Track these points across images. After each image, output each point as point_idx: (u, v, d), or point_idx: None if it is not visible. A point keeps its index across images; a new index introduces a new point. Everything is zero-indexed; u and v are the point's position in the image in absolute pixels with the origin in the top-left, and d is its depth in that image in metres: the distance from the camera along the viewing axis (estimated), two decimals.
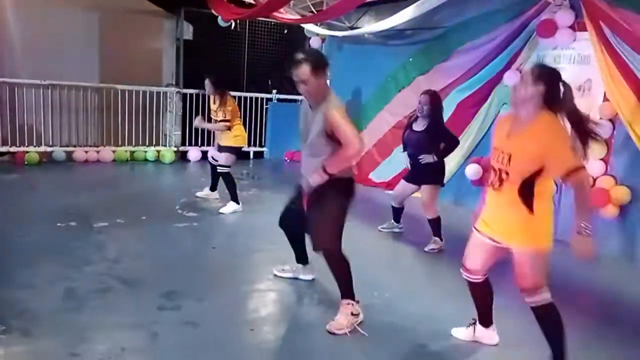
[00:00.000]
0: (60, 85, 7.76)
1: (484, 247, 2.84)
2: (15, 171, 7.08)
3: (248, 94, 9.12)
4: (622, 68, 4.67)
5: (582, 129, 2.67)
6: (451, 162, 6.41)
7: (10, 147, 7.57)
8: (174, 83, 8.70)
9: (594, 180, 5.05)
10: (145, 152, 8.43)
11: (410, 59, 7.26)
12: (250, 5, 7.64)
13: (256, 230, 4.32)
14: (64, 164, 7.74)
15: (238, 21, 8.25)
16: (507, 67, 5.81)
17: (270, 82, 9.38)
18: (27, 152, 7.57)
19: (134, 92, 8.26)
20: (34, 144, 7.71)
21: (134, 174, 7.79)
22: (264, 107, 9.35)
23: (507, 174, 2.65)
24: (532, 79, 2.62)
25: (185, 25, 8.55)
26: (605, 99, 4.94)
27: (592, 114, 5.11)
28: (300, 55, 3.15)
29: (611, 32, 4.71)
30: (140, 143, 8.46)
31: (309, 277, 3.88)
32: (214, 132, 6.07)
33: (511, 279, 2.79)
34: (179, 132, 8.72)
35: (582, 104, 5.23)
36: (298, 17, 7.90)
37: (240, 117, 6.06)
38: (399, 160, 5.65)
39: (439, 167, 4.81)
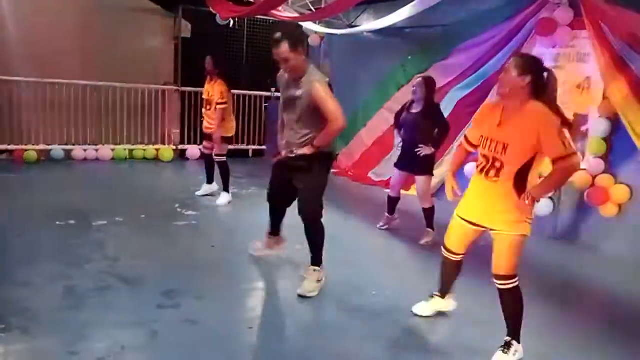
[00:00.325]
0: (58, 84, 7.74)
1: (464, 230, 3.00)
2: (13, 170, 7.07)
3: (247, 92, 9.11)
4: (621, 66, 4.68)
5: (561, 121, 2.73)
6: (450, 161, 6.42)
7: (9, 145, 7.55)
8: (172, 81, 8.68)
9: (594, 178, 5.05)
10: (144, 150, 8.42)
11: (409, 58, 7.26)
12: (248, 3, 7.62)
13: (255, 229, 4.32)
14: (62, 163, 7.73)
15: (237, 19, 8.25)
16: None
17: (269, 81, 9.36)
18: (26, 150, 7.56)
19: (132, 90, 8.25)
20: (33, 143, 7.69)
21: (133, 172, 7.78)
22: (263, 105, 9.34)
23: (501, 163, 2.73)
24: (519, 71, 2.68)
25: (183, 24, 8.53)
26: (604, 97, 4.94)
27: (591, 112, 5.15)
28: (278, 35, 3.32)
29: (610, 30, 4.72)
30: (139, 141, 8.45)
31: (282, 249, 4.17)
32: (202, 129, 6.09)
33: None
34: (178, 131, 8.70)
35: (581, 102, 5.31)
36: (297, 15, 7.89)
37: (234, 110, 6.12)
38: None
39: (431, 157, 4.90)
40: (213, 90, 5.77)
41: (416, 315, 3.35)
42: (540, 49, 5.58)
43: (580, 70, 5.25)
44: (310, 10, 7.71)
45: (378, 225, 5.35)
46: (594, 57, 4.94)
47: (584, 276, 4.52)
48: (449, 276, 3.27)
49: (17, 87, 7.48)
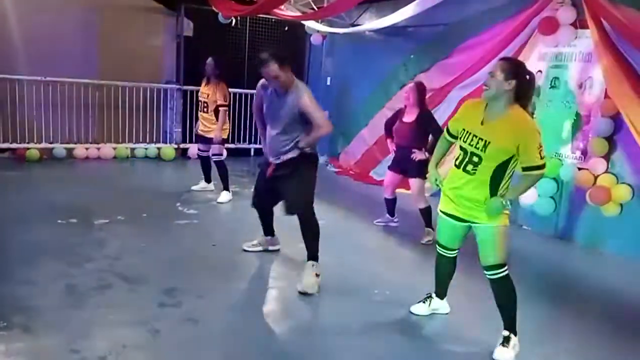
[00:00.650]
0: (60, 82, 7.74)
1: (450, 225, 3.07)
2: (15, 168, 7.08)
3: (249, 91, 9.09)
4: (624, 66, 4.66)
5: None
6: (451, 161, 6.41)
7: (11, 143, 7.57)
8: (174, 80, 8.68)
9: (595, 178, 5.04)
10: (146, 149, 8.42)
11: (411, 57, 7.25)
12: (250, 2, 7.62)
13: (256, 227, 4.33)
14: (64, 161, 7.74)
15: (239, 18, 8.24)
16: None
17: None
18: (28, 148, 7.57)
19: (134, 89, 8.25)
20: (35, 141, 7.70)
21: (135, 170, 7.78)
22: None
23: (479, 158, 2.84)
24: (504, 76, 2.79)
25: (185, 22, 8.52)
26: (607, 97, 4.93)
27: (593, 112, 5.14)
28: (265, 55, 3.63)
29: (612, 29, 4.70)
30: (141, 140, 8.45)
31: (276, 247, 4.34)
32: (197, 125, 6.14)
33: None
34: (180, 129, 8.70)
35: (583, 101, 5.30)
36: (299, 14, 7.89)
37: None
38: None
39: (425, 161, 4.88)
40: (213, 92, 5.79)
41: (414, 314, 3.37)
42: (542, 48, 5.57)
43: (583, 69, 5.24)
44: (313, 9, 7.70)
45: (375, 221, 5.41)
46: (596, 56, 4.92)
47: (585, 275, 4.52)
48: (444, 274, 3.31)
49: (19, 85, 7.48)
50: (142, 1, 8.31)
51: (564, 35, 5.30)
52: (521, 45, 5.68)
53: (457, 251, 3.20)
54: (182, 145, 8.76)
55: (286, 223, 4.17)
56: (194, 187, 6.30)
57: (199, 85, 6.28)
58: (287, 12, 7.80)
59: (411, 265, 4.53)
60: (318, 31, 8.46)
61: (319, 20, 8.14)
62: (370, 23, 7.44)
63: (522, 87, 2.81)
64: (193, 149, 8.72)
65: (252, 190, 4.14)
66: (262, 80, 3.82)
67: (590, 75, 5.16)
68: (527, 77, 2.84)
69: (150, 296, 3.36)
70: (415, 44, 7.19)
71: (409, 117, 4.96)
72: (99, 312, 3.10)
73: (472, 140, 2.86)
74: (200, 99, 6.00)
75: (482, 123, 2.86)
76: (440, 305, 3.40)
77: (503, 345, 2.91)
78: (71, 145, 7.95)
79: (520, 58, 5.61)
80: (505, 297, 2.94)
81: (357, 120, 8.24)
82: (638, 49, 4.46)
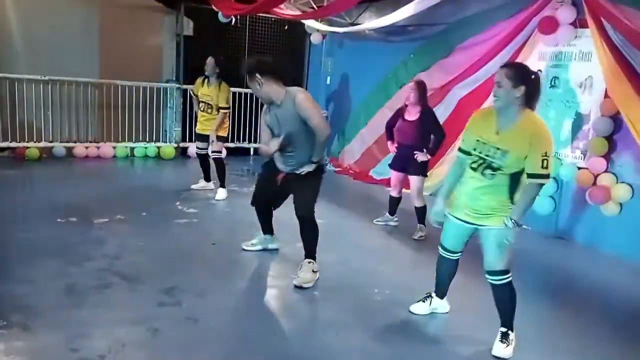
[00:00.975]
0: (60, 81, 7.73)
1: (458, 227, 3.05)
2: (15, 167, 7.07)
3: (248, 90, 9.09)
4: (624, 65, 4.66)
5: None
6: (451, 160, 6.41)
7: (11, 142, 7.56)
8: (174, 79, 8.68)
9: (595, 177, 5.04)
10: (146, 148, 8.41)
11: (411, 56, 7.25)
12: (250, 1, 7.61)
13: (255, 226, 4.33)
14: (64, 160, 7.73)
15: (238, 17, 8.23)
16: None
17: None
18: (28, 147, 7.57)
19: (134, 87, 8.24)
20: (34, 140, 7.69)
21: (134, 169, 7.78)
22: None
23: (499, 166, 2.79)
24: (512, 83, 2.74)
25: (185, 21, 8.52)
26: (607, 96, 4.93)
27: (593, 111, 5.14)
28: (246, 67, 3.68)
29: (612, 28, 4.70)
30: (141, 139, 8.44)
31: (275, 245, 4.32)
32: (196, 123, 6.17)
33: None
34: (179, 128, 8.70)
35: (583, 101, 5.30)
36: (299, 13, 7.88)
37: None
38: None
39: (426, 160, 5.00)
40: (216, 95, 5.79)
41: (414, 314, 3.37)
42: (542, 47, 5.57)
43: (583, 68, 5.24)
44: (312, 8, 7.69)
45: (375, 220, 5.42)
46: (596, 56, 4.92)
47: (585, 275, 4.52)
48: (445, 276, 3.30)
49: (19, 84, 7.48)
50: (142, 0, 8.30)
51: (564, 35, 5.29)
52: (521, 44, 5.67)
53: (460, 254, 3.19)
54: (181, 144, 8.76)
55: (285, 223, 4.18)
56: (193, 186, 6.31)
57: None
58: (287, 11, 7.79)
59: (411, 264, 4.53)
60: (318, 30, 8.46)
61: (319, 20, 8.13)
62: (370, 22, 7.43)
63: (532, 89, 2.78)
64: (193, 148, 8.71)
65: (253, 189, 4.14)
66: (264, 110, 3.85)
67: (590, 74, 5.16)
68: (533, 77, 2.81)
69: (149, 295, 3.36)
70: (416, 43, 7.18)
71: (411, 115, 4.96)
72: (98, 311, 3.10)
73: (488, 150, 2.82)
74: (201, 99, 5.99)
75: (497, 133, 2.82)
76: (440, 305, 3.40)
77: (501, 342, 2.93)
78: (71, 144, 7.94)
79: (520, 57, 5.65)
80: (506, 301, 2.95)
81: (357, 119, 8.24)
82: (638, 48, 4.45)
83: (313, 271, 3.72)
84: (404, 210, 5.45)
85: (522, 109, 2.79)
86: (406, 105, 5.04)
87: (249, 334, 3.05)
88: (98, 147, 8.07)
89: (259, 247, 4.31)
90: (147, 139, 8.50)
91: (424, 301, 3.39)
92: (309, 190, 3.74)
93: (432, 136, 4.93)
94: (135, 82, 8.22)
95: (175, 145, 8.69)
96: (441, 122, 5.20)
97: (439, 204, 3.12)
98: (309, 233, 3.77)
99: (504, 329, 2.95)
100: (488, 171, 2.83)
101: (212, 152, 6.00)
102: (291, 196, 3.86)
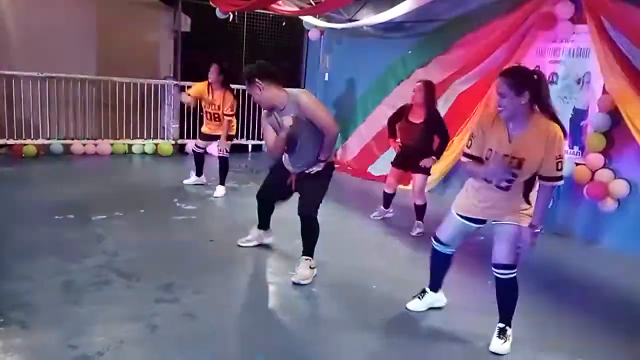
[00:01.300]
0: (57, 78, 7.71)
1: (463, 228, 3.04)
2: (12, 164, 7.05)
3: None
4: (622, 61, 4.67)
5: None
6: (451, 156, 6.41)
7: (8, 139, 7.53)
8: (171, 75, 8.65)
9: (593, 173, 5.05)
10: (144, 144, 8.40)
11: (409, 52, 7.23)
12: None
13: (253, 223, 4.32)
14: (61, 157, 7.71)
15: (236, 13, 8.20)
16: (507, 60, 5.78)
17: None
18: (25, 144, 7.54)
19: (131, 84, 8.22)
20: (32, 137, 7.68)
21: (132, 166, 7.77)
22: None
23: (515, 175, 2.77)
24: (515, 91, 2.65)
25: (182, 17, 8.48)
26: (605, 92, 4.93)
27: (591, 107, 5.14)
28: (245, 74, 3.60)
29: (611, 25, 4.70)
30: (138, 136, 8.42)
31: (270, 240, 4.33)
32: (200, 123, 6.21)
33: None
34: (177, 125, 8.68)
35: (581, 97, 5.29)
36: (296, 9, 7.86)
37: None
38: None
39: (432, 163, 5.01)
40: (222, 101, 5.84)
41: (410, 310, 3.36)
42: (540, 43, 5.57)
43: (581, 64, 5.24)
44: (310, 4, 7.67)
45: (372, 215, 5.44)
46: (594, 52, 4.92)
47: (583, 271, 4.52)
48: (438, 269, 3.29)
49: (15, 81, 7.45)
50: None
51: (562, 31, 5.29)
52: (519, 40, 5.67)
53: (454, 250, 3.19)
54: (179, 141, 8.74)
55: (284, 219, 4.17)
56: (185, 181, 6.34)
57: (197, 81, 6.28)
58: (284, 7, 7.77)
59: (409, 260, 4.53)
60: (316, 26, 8.43)
61: (317, 16, 8.11)
62: (368, 18, 7.42)
63: (537, 90, 2.69)
64: (191, 144, 8.71)
65: (262, 184, 4.11)
66: (263, 112, 3.79)
67: (588, 70, 5.16)
68: (535, 77, 2.73)
69: (148, 292, 3.36)
70: (414, 39, 7.17)
71: (416, 117, 4.89)
72: (96, 308, 3.10)
73: (504, 160, 2.76)
74: (208, 109, 6.03)
75: (509, 141, 2.76)
76: (436, 299, 3.39)
77: (499, 337, 2.94)
78: (68, 141, 7.92)
79: (519, 53, 5.66)
80: (508, 296, 2.95)
81: (355, 116, 8.23)
82: (636, 44, 4.45)
83: (311, 267, 3.73)
84: (403, 207, 5.46)
85: (531, 113, 2.72)
86: (411, 105, 4.96)
87: (246, 331, 3.06)
88: (95, 144, 8.05)
89: (254, 243, 4.30)
90: (145, 136, 8.48)
91: (419, 297, 3.38)
92: (317, 190, 3.73)
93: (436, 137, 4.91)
94: (133, 79, 8.20)
95: (173, 142, 8.67)
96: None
97: None
98: (310, 232, 3.75)
99: (501, 325, 2.96)
100: (504, 183, 2.81)
101: (219, 150, 6.01)
102: (296, 194, 3.85)
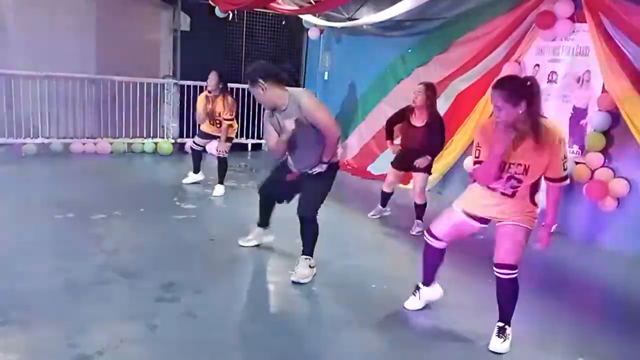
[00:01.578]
0: (57, 77, 7.70)
1: (464, 225, 3.04)
2: (12, 163, 7.05)
3: (246, 86, 9.05)
4: (621, 59, 4.66)
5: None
6: (451, 154, 6.42)
7: (8, 138, 7.53)
8: (171, 74, 8.65)
9: (592, 172, 5.05)
10: (143, 143, 8.39)
11: (409, 51, 7.23)
12: None
13: (253, 222, 4.32)
14: (61, 156, 7.71)
15: (236, 12, 8.20)
16: (506, 58, 5.79)
17: None
18: (25, 143, 7.54)
19: (131, 83, 8.21)
20: (32, 136, 7.67)
21: (132, 165, 7.76)
22: None
23: (520, 181, 2.81)
24: (512, 104, 2.67)
25: (182, 17, 8.48)
26: (604, 91, 4.93)
27: (590, 106, 5.14)
28: (248, 74, 3.60)
29: (610, 23, 4.70)
30: (138, 135, 8.41)
31: (270, 238, 4.31)
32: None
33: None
34: (177, 124, 8.67)
35: (580, 95, 5.29)
36: (296, 7, 7.85)
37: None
38: None
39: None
40: (222, 108, 5.87)
41: (408, 310, 3.36)
42: (540, 42, 5.56)
43: (580, 63, 5.24)
44: (310, 2, 7.66)
45: (369, 214, 5.45)
46: (594, 50, 4.92)
47: (582, 270, 4.53)
48: (430, 264, 3.28)
49: (15, 80, 7.44)
50: None
51: (562, 29, 5.29)
52: (519, 39, 5.67)
53: (446, 245, 3.17)
54: (179, 140, 8.73)
55: (284, 218, 4.17)
56: (184, 181, 6.34)
57: (196, 80, 6.29)
58: (284, 6, 7.77)
59: (409, 259, 4.52)
60: (315, 25, 8.43)
61: (317, 14, 8.11)
62: (368, 17, 7.41)
63: (532, 97, 2.71)
64: (189, 143, 8.71)
65: (266, 178, 4.13)
66: (266, 112, 3.78)
67: (588, 69, 5.16)
68: (529, 84, 2.72)
69: (148, 291, 3.36)
70: (414, 38, 7.16)
71: (418, 121, 4.90)
72: (96, 307, 3.10)
73: (509, 168, 2.80)
74: (211, 117, 6.04)
75: (515, 149, 2.78)
76: (432, 292, 3.36)
77: (498, 336, 2.94)
78: (68, 140, 7.91)
79: (518, 52, 5.66)
80: (509, 296, 2.95)
81: (355, 115, 8.23)
82: (635, 42, 4.45)
83: (310, 267, 3.73)
84: (403, 206, 5.47)
85: (530, 119, 2.73)
86: (412, 108, 4.94)
87: (247, 330, 3.06)
88: (95, 143, 8.04)
89: (255, 242, 4.29)
90: (145, 135, 8.47)
91: (414, 294, 3.38)
92: (318, 191, 3.72)
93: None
94: (132, 78, 8.19)
95: (173, 141, 8.66)
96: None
97: None
98: (309, 233, 3.75)
99: (501, 324, 2.97)
100: (509, 190, 2.84)
101: (218, 150, 6.02)
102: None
